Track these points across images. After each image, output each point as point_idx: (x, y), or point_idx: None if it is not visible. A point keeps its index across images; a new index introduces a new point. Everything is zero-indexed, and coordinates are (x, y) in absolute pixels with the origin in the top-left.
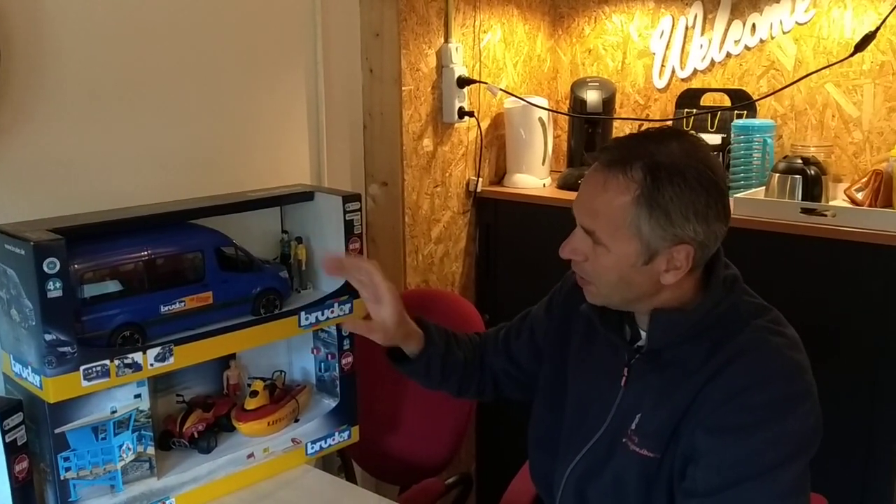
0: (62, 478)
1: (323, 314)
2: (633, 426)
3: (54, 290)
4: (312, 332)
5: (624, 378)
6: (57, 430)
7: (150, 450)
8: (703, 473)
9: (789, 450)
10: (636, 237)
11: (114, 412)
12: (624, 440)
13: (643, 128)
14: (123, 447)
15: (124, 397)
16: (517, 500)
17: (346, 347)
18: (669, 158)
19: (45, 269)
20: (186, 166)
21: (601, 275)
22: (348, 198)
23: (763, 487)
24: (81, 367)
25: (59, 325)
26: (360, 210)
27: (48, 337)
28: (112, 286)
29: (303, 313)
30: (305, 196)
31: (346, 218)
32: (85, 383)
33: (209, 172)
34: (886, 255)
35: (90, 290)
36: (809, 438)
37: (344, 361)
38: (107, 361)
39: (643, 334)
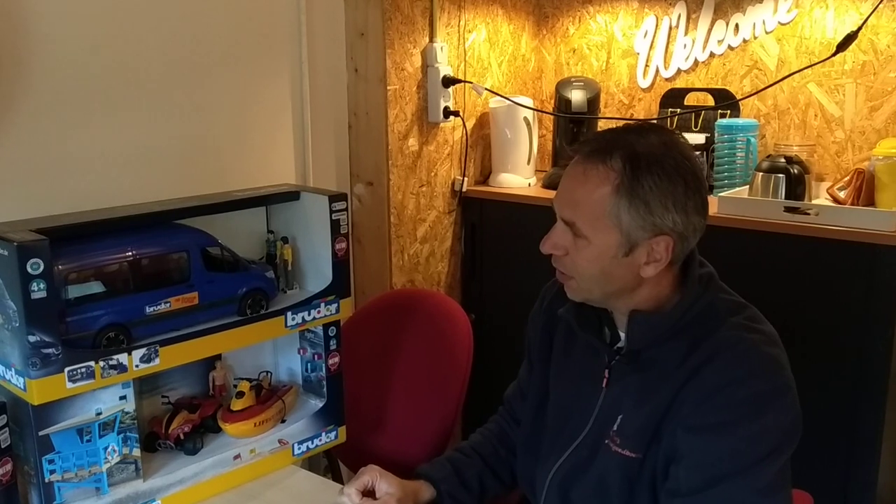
0: (47, 480)
1: (309, 314)
2: (615, 427)
3: (38, 291)
4: (299, 332)
5: (605, 380)
6: (41, 433)
7: (136, 451)
8: (686, 473)
9: (770, 446)
10: (616, 228)
11: (99, 414)
12: (606, 441)
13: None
14: (109, 449)
15: (109, 399)
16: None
17: (332, 347)
18: (648, 149)
19: (29, 269)
20: (170, 166)
21: (582, 268)
22: (335, 197)
23: (745, 484)
24: (66, 369)
25: (44, 326)
26: (346, 210)
27: (32, 338)
28: (97, 287)
29: (289, 313)
30: (291, 196)
31: (333, 218)
32: (70, 385)
33: (193, 172)
34: (869, 253)
35: (74, 291)
36: (790, 434)
37: (331, 362)
38: (92, 363)
39: (622, 336)
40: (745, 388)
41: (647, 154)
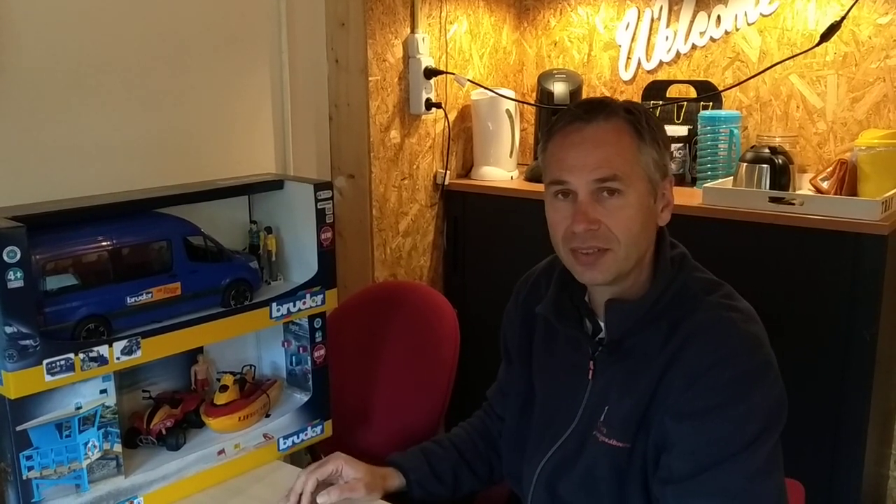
0: (25, 477)
1: (295, 305)
2: (602, 418)
3: (15, 280)
4: (283, 324)
5: (591, 371)
6: (19, 428)
7: (117, 447)
8: (677, 460)
9: (759, 426)
10: (644, 172)
11: (79, 408)
12: (594, 433)
13: None
14: (89, 445)
15: (89, 392)
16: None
17: (318, 340)
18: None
19: (6, 258)
20: (147, 156)
21: (625, 228)
22: (319, 186)
23: (737, 467)
24: (44, 361)
25: (21, 317)
26: (331, 199)
27: (9, 329)
28: (75, 277)
29: (274, 304)
30: (275, 184)
31: (318, 207)
32: (48, 378)
33: (170, 162)
34: (853, 242)
35: (53, 281)
36: (776, 411)
37: (316, 354)
38: (71, 355)
39: (603, 326)
40: (728, 370)
41: (632, 102)
